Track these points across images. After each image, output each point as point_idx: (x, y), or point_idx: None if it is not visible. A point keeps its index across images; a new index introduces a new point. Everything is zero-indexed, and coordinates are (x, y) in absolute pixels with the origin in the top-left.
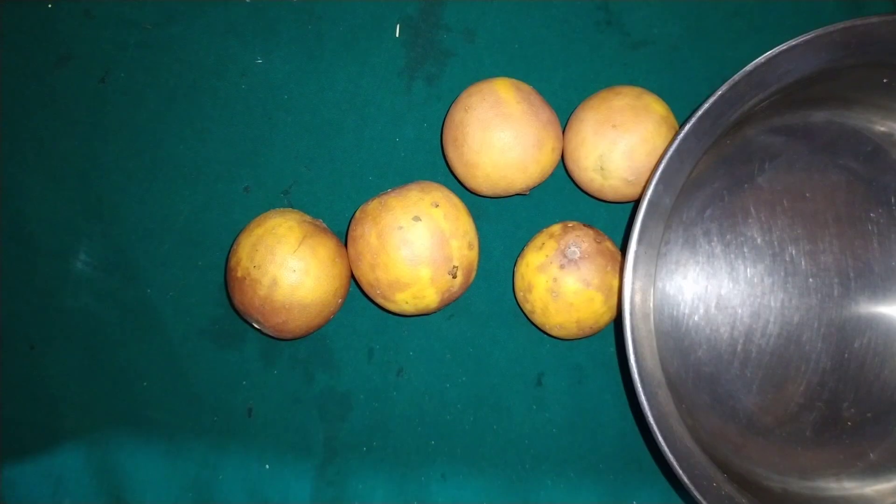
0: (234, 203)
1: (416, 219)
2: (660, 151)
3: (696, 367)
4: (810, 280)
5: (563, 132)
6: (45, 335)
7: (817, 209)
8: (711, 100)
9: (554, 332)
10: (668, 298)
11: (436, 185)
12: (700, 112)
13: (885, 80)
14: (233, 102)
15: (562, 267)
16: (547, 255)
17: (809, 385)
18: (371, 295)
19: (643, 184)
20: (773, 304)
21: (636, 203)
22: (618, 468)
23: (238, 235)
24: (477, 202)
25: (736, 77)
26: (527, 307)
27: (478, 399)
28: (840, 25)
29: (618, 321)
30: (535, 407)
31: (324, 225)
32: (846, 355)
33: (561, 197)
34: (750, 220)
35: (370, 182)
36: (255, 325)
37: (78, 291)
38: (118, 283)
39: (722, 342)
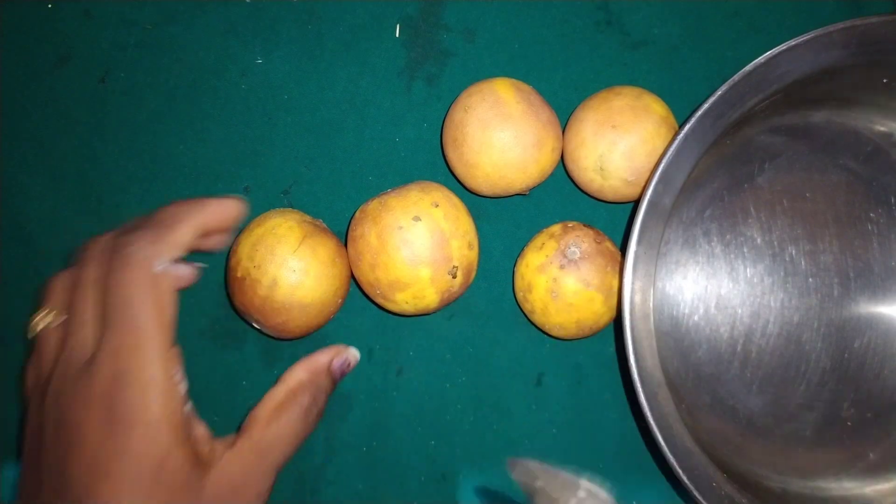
0: None
1: (416, 219)
2: (660, 152)
3: (696, 367)
4: (810, 280)
5: (563, 132)
6: None
7: (817, 209)
8: (711, 100)
9: (554, 333)
10: (668, 298)
11: (436, 185)
12: (700, 112)
13: (885, 80)
14: (233, 102)
15: (562, 267)
16: (547, 256)
17: (809, 385)
18: (371, 295)
19: (643, 184)
20: (772, 304)
21: (636, 203)
22: (618, 468)
23: (238, 235)
24: (477, 202)
25: (736, 77)
26: (527, 307)
27: (478, 399)
28: (840, 25)
29: (618, 321)
30: (534, 407)
31: (324, 225)
32: (846, 355)
33: (561, 197)
34: (750, 220)
35: (370, 182)
36: (256, 326)
37: None
38: None
39: (722, 342)
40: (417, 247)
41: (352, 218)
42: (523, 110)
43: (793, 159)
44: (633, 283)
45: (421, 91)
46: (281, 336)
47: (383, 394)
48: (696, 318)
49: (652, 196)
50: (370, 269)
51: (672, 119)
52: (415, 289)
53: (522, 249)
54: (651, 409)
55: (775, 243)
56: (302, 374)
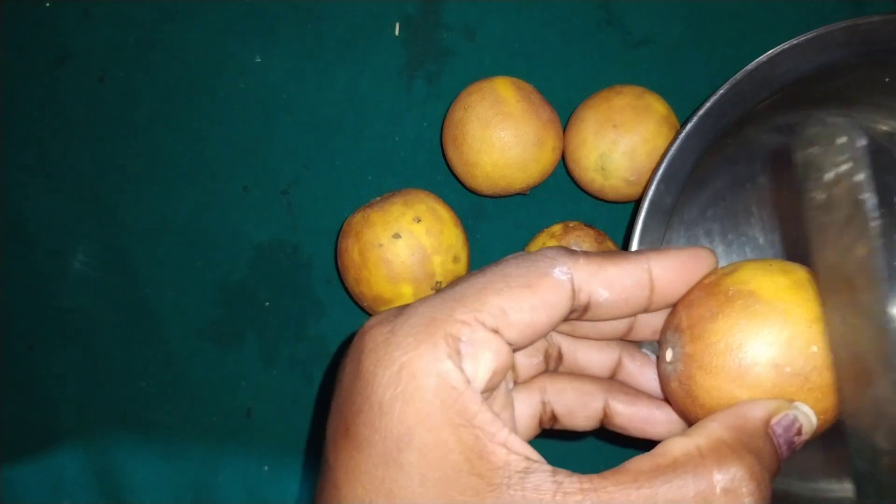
0: (233, 203)
1: (396, 236)
2: (661, 151)
3: None
4: None
5: (564, 131)
6: (43, 336)
7: None
8: (713, 99)
9: None
10: None
11: (423, 194)
12: (701, 111)
13: (886, 80)
14: (232, 101)
15: None
16: None
17: None
18: (360, 306)
19: (644, 184)
20: None
21: (637, 203)
22: None
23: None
24: (477, 202)
25: (737, 76)
26: None
27: None
28: (842, 24)
29: None
30: None
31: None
32: None
33: (561, 197)
34: (752, 220)
35: (369, 181)
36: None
37: (76, 292)
38: (116, 283)
39: None
40: (397, 265)
41: (340, 229)
42: (524, 109)
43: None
44: None
45: (421, 90)
46: None
47: None
48: None
49: (653, 196)
50: (355, 283)
51: (673, 118)
52: (398, 304)
53: (523, 249)
54: None
55: (777, 243)
56: (721, 430)
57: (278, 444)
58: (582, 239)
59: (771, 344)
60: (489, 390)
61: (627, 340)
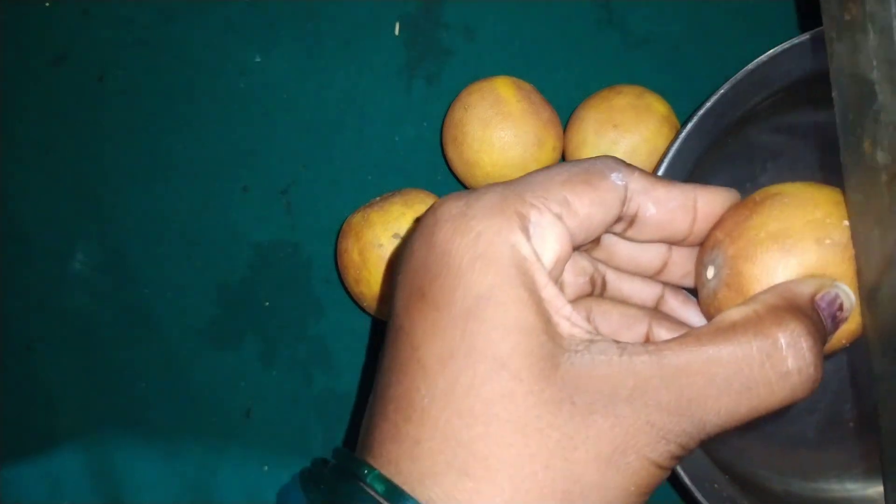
0: (233, 202)
1: (396, 236)
2: (661, 151)
3: None
4: None
5: (564, 131)
6: (42, 336)
7: None
8: (713, 99)
9: None
10: None
11: (423, 194)
12: (702, 111)
13: None
14: (231, 101)
15: None
16: None
17: None
18: (360, 306)
19: None
20: None
21: None
22: None
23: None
24: None
25: (738, 76)
26: None
27: None
28: None
29: None
30: None
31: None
32: (848, 355)
33: None
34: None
35: (369, 181)
36: None
37: (75, 292)
38: (115, 283)
39: None
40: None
41: (340, 229)
42: (524, 109)
43: (795, 159)
44: None
45: (421, 90)
46: None
47: None
48: None
49: None
50: (355, 283)
51: (674, 118)
52: None
53: None
54: None
55: None
56: (774, 299)
57: (278, 444)
58: None
59: (808, 222)
60: (552, 276)
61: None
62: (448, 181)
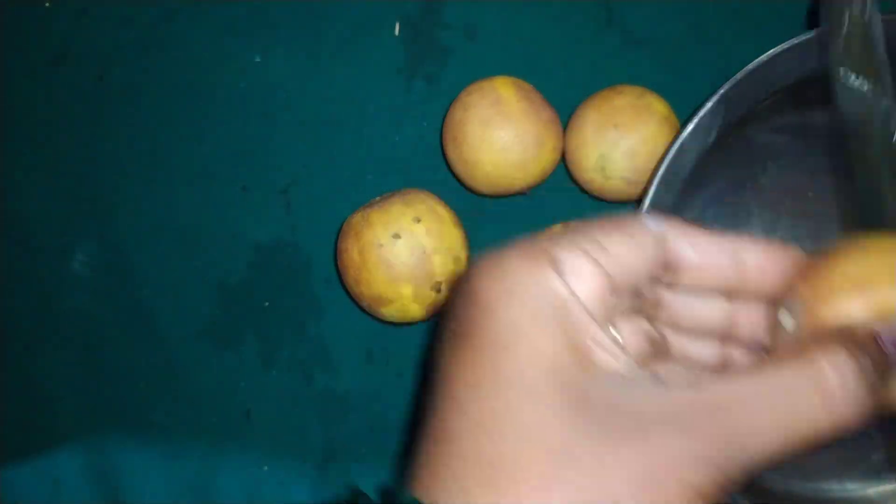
0: (232, 202)
1: (396, 236)
2: (661, 151)
3: None
4: None
5: (564, 131)
6: (42, 336)
7: (820, 209)
8: (713, 99)
9: None
10: None
11: (423, 195)
12: (702, 112)
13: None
14: (231, 101)
15: None
16: None
17: None
18: (360, 306)
19: (644, 184)
20: None
21: (637, 203)
22: None
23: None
24: (477, 202)
25: (738, 76)
26: None
27: None
28: None
29: None
30: None
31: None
32: None
33: (561, 197)
34: (752, 221)
35: (369, 181)
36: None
37: (75, 292)
38: (115, 283)
39: None
40: (397, 265)
41: (340, 229)
42: (524, 109)
43: (796, 159)
44: None
45: (421, 90)
46: None
47: (383, 396)
48: None
49: (653, 196)
50: (354, 283)
51: (674, 118)
52: (398, 304)
53: None
54: None
55: None
56: (829, 334)
57: (278, 444)
58: None
59: (887, 265)
60: (589, 311)
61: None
62: (448, 181)
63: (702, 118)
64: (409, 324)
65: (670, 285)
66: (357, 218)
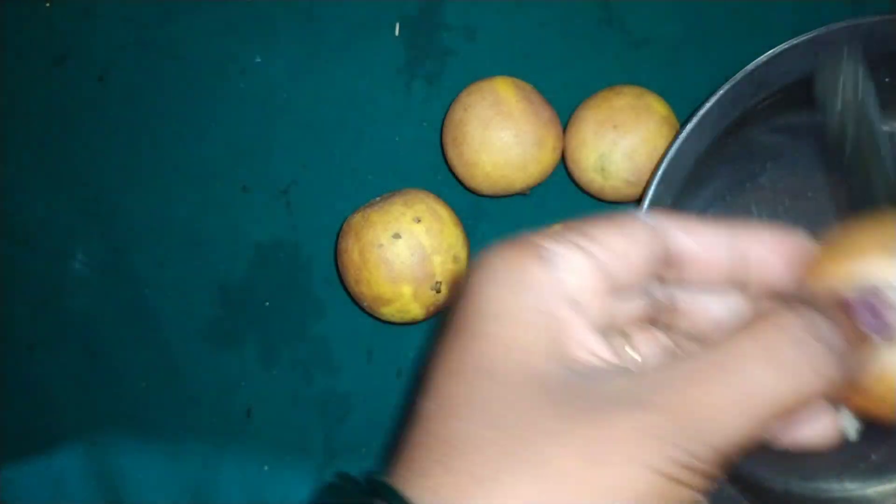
0: (233, 203)
1: (396, 236)
2: (661, 151)
3: None
4: None
5: (564, 132)
6: (43, 336)
7: (819, 209)
8: (713, 99)
9: None
10: None
11: (423, 195)
12: (701, 112)
13: (886, 80)
14: (231, 101)
15: None
16: None
17: None
18: (360, 306)
19: (644, 184)
20: None
21: (637, 203)
22: None
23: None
24: (477, 202)
25: (737, 76)
26: None
27: None
28: (841, 25)
29: None
30: None
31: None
32: None
33: (561, 197)
34: (752, 220)
35: (369, 181)
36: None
37: (76, 292)
38: (116, 283)
39: None
40: (397, 266)
41: (340, 229)
42: (524, 109)
43: (795, 159)
44: None
45: (421, 90)
46: None
47: (383, 396)
48: None
49: (653, 196)
50: (355, 283)
51: (673, 118)
52: (398, 304)
53: None
54: None
55: None
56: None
57: (278, 444)
58: None
59: (877, 237)
60: (583, 306)
61: None
62: (448, 181)
63: (701, 118)
64: (409, 324)
65: (679, 282)
66: (357, 218)
